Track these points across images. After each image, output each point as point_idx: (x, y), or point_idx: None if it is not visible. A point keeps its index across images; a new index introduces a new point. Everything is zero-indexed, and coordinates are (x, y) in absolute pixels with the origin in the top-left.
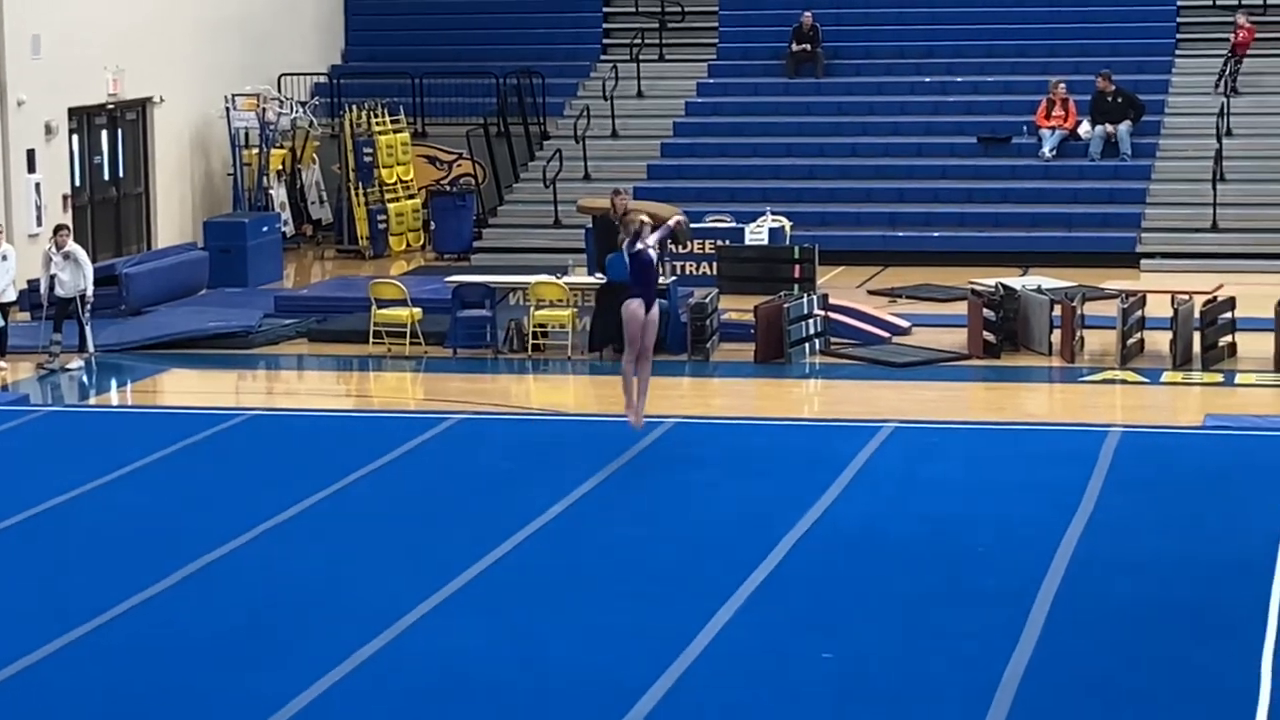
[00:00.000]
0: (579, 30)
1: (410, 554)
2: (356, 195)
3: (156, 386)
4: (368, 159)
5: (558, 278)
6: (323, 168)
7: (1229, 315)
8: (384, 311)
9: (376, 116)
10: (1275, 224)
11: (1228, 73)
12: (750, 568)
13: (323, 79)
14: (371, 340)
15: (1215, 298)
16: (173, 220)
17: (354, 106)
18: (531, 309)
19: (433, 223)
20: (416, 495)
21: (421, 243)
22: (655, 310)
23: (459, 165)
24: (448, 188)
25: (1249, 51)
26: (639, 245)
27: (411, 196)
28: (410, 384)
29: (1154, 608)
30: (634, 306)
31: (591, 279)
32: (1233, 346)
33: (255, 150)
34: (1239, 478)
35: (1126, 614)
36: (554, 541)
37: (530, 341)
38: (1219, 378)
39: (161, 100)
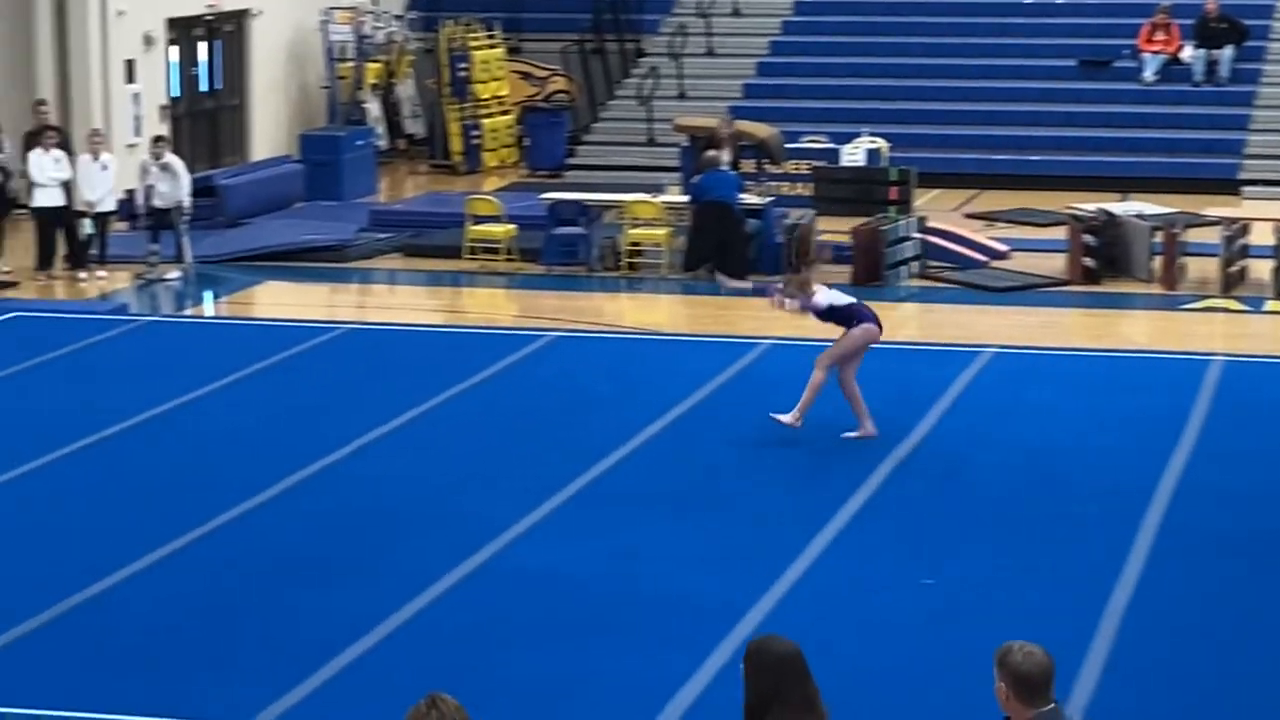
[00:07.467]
0: None
1: (507, 472)
2: (450, 110)
3: (252, 298)
4: (462, 74)
5: (653, 197)
6: (417, 82)
7: None
8: (478, 227)
9: (472, 32)
10: None
11: None
12: (849, 491)
13: None
14: (465, 255)
15: None
16: (268, 133)
17: (450, 21)
18: (626, 227)
19: (526, 139)
20: (513, 412)
21: (514, 159)
22: None
23: (553, 82)
24: (542, 104)
25: None
26: None
27: (505, 112)
28: (504, 300)
29: (1259, 538)
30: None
31: (687, 198)
32: None
33: (351, 64)
34: None
35: (1230, 545)
36: (652, 461)
37: (625, 260)
38: None
39: (259, 12)
